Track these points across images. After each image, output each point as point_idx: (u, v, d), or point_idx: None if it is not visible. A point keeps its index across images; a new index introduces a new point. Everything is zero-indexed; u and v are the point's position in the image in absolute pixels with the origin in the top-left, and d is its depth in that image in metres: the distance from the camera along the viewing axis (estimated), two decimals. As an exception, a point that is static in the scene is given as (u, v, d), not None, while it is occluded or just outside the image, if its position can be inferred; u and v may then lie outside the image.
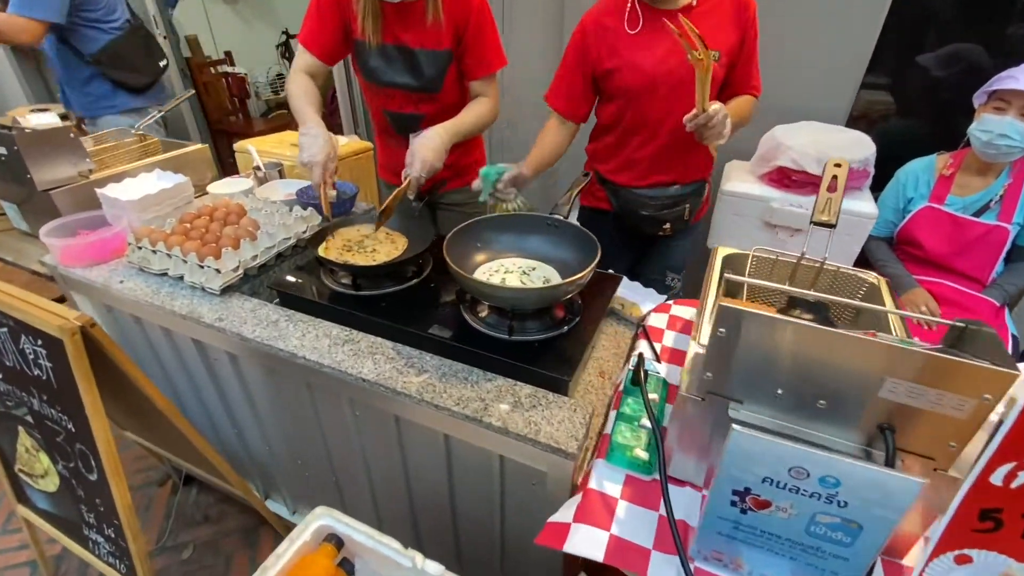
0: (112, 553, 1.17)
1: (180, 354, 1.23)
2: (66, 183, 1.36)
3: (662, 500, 0.70)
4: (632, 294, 1.20)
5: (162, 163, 1.59)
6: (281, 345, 0.98)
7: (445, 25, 1.26)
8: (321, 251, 1.14)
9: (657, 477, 0.73)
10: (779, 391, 0.60)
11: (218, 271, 1.12)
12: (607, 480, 0.74)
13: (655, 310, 1.12)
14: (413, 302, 1.09)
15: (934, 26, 1.85)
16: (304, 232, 1.32)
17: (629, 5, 1.25)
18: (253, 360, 1.08)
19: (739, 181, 1.79)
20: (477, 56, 1.33)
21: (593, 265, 0.92)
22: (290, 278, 1.15)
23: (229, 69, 3.89)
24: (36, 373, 1.00)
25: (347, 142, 1.84)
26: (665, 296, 1.20)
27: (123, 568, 1.17)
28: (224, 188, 1.52)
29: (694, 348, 0.73)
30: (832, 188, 0.91)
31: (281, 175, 1.63)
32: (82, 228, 1.30)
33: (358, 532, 0.84)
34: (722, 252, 0.99)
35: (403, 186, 1.20)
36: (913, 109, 1.99)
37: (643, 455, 0.74)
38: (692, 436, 0.69)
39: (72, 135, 1.35)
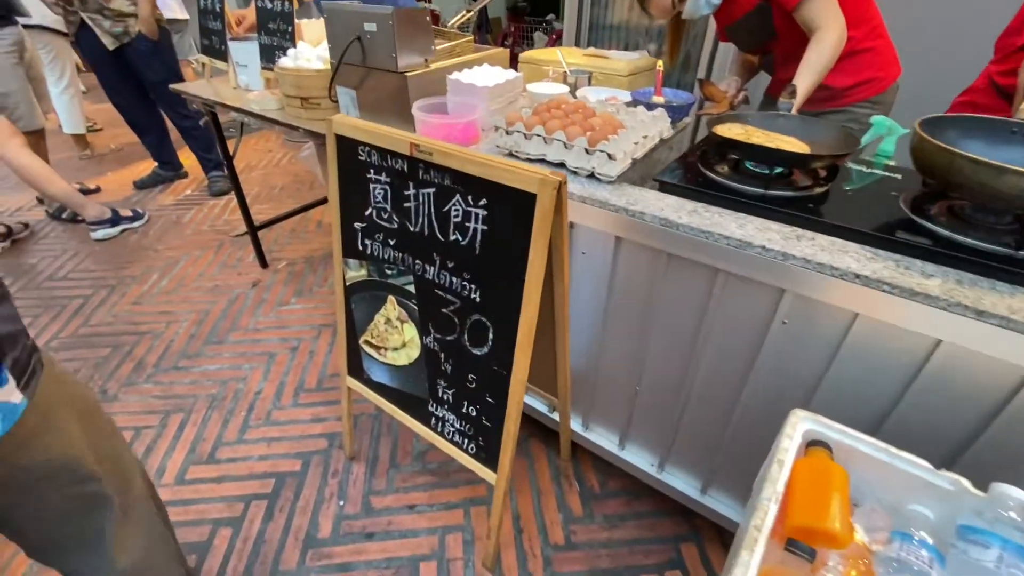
0: (461, 431, 1.19)
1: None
2: (414, 68, 1.37)
3: None
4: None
5: (468, 63, 1.57)
6: (724, 232, 0.89)
7: None
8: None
9: None
10: None
11: (611, 156, 1.05)
12: None
13: None
14: (836, 210, 0.96)
15: None
16: (663, 132, 1.22)
17: None
18: (646, 249, 1.00)
19: None
20: None
21: None
22: (690, 169, 1.07)
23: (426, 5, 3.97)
24: (453, 238, 0.99)
25: (638, 58, 1.73)
26: None
27: (472, 447, 1.17)
28: (544, 88, 1.46)
29: None
30: None
31: (589, 82, 1.55)
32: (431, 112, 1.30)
33: (860, 441, 0.74)
34: None
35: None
36: None
37: None
38: None
39: (428, 18, 1.34)
